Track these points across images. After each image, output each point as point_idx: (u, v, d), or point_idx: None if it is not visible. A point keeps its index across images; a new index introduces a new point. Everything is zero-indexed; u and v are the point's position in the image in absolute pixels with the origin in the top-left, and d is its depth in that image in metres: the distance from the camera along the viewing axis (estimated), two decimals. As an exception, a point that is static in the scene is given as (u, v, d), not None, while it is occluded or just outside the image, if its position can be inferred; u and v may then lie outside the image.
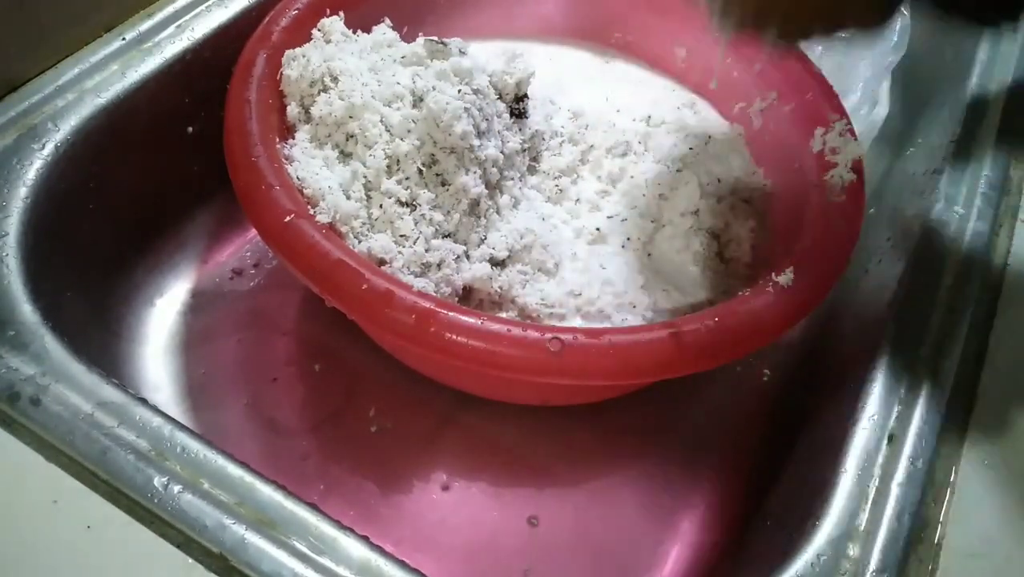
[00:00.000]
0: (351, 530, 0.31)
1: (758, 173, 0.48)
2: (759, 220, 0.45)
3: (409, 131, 0.39)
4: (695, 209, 0.43)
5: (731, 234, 0.44)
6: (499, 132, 0.43)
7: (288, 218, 0.36)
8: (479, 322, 0.34)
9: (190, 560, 0.29)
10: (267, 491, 0.31)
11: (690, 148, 0.46)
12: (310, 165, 0.40)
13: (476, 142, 0.40)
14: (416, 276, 0.38)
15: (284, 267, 0.37)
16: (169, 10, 0.48)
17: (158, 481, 0.31)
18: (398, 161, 0.40)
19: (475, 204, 0.40)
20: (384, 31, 0.46)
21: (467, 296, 0.40)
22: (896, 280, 0.42)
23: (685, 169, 0.45)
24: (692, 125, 0.50)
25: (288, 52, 0.43)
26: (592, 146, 0.48)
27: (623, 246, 0.43)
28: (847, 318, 0.45)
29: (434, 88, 0.40)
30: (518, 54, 0.46)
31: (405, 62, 0.43)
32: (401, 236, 0.38)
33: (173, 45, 0.46)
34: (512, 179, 0.43)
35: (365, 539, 0.30)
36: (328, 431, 0.45)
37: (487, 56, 0.47)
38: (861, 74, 0.53)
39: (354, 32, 0.46)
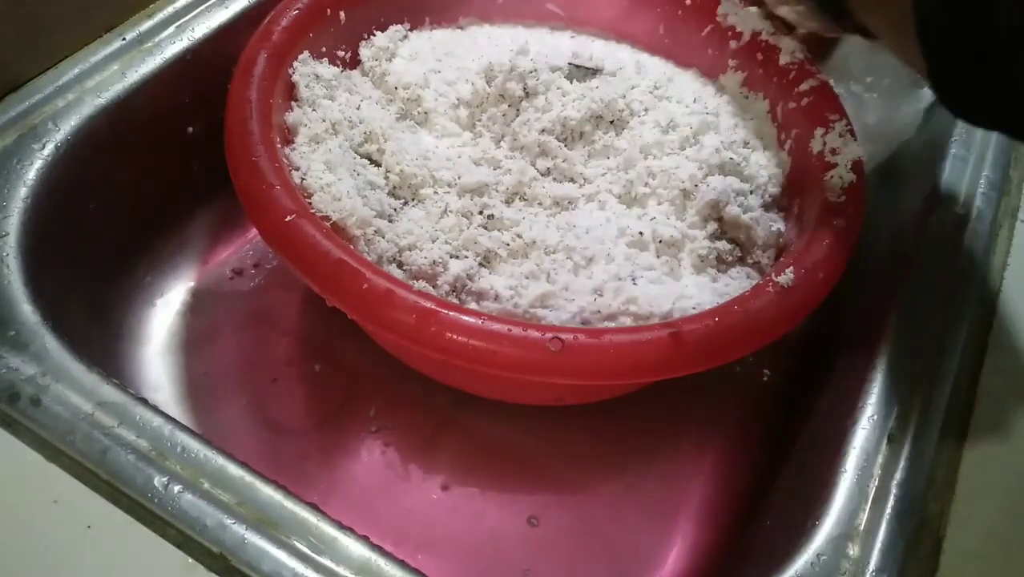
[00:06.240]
0: (351, 530, 0.31)
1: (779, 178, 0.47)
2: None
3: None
4: (719, 216, 0.43)
5: (755, 239, 0.43)
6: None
7: (289, 218, 0.36)
8: (479, 322, 0.34)
9: (190, 560, 0.29)
10: (267, 491, 0.31)
11: (731, 157, 0.45)
12: (316, 167, 0.40)
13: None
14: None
15: (284, 267, 0.37)
16: (169, 10, 0.48)
17: (158, 481, 0.31)
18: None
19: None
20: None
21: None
22: (896, 280, 0.42)
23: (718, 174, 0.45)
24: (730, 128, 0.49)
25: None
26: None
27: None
28: (847, 318, 0.45)
29: None
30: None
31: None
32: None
33: (173, 45, 0.47)
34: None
35: (365, 539, 0.30)
36: (328, 431, 0.45)
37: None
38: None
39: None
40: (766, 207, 0.45)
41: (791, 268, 0.38)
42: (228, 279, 0.51)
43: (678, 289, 0.40)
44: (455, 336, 0.34)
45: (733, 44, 0.51)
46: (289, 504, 0.31)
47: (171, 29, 0.47)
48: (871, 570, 0.32)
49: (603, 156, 0.47)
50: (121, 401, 0.33)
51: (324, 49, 0.47)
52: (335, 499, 0.42)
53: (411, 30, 0.52)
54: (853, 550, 0.32)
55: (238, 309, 0.49)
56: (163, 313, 0.48)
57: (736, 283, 0.42)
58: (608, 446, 0.46)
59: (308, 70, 0.45)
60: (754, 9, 0.51)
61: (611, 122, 0.47)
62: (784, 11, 0.43)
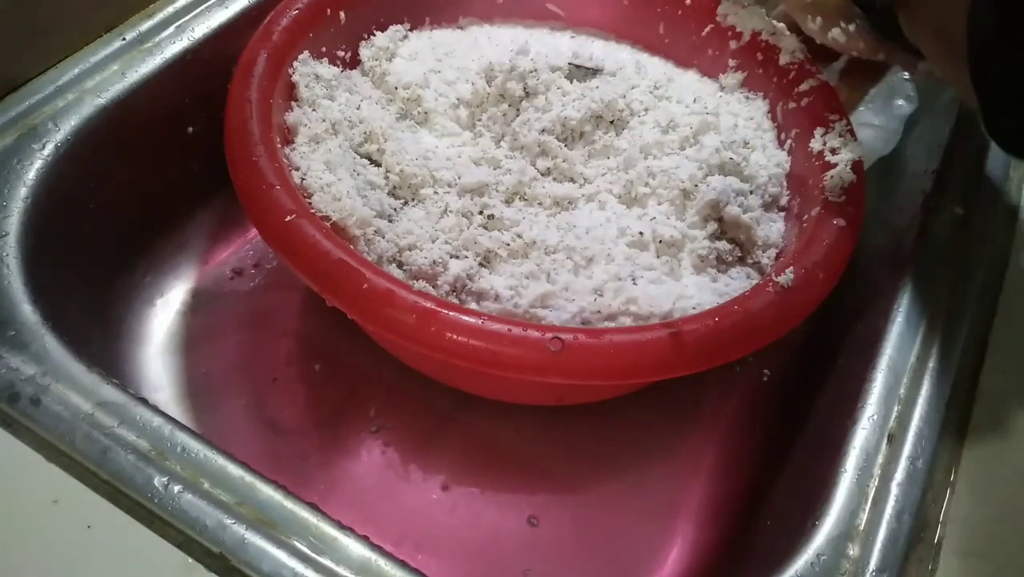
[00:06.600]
0: (351, 530, 0.31)
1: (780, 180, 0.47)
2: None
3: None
4: (719, 216, 0.43)
5: (755, 239, 0.43)
6: None
7: (289, 218, 0.36)
8: (479, 322, 0.34)
9: (190, 560, 0.29)
10: (267, 491, 0.31)
11: (731, 157, 0.45)
12: (316, 167, 0.40)
13: None
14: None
15: (284, 267, 0.37)
16: (169, 10, 0.48)
17: (158, 481, 0.31)
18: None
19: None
20: None
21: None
22: (896, 280, 0.42)
23: (719, 174, 0.44)
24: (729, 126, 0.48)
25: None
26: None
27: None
28: (847, 318, 0.45)
29: None
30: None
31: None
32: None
33: (173, 45, 0.47)
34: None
35: (365, 539, 0.30)
36: (328, 431, 0.45)
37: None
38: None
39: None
40: (766, 207, 0.45)
41: (791, 268, 0.38)
42: (228, 279, 0.51)
43: (678, 289, 0.40)
44: (455, 336, 0.34)
45: (733, 44, 0.51)
46: (289, 504, 0.31)
47: (171, 29, 0.47)
48: (871, 570, 0.32)
49: (603, 156, 0.47)
50: (121, 401, 0.33)
51: (324, 49, 0.47)
52: (335, 499, 0.42)
53: (411, 30, 0.52)
54: (853, 550, 0.32)
55: (238, 309, 0.49)
56: (163, 313, 0.48)
57: (736, 283, 0.42)
58: (608, 446, 0.46)
59: (308, 70, 0.45)
60: (754, 9, 0.51)
61: (611, 122, 0.47)
62: (835, 32, 0.43)
